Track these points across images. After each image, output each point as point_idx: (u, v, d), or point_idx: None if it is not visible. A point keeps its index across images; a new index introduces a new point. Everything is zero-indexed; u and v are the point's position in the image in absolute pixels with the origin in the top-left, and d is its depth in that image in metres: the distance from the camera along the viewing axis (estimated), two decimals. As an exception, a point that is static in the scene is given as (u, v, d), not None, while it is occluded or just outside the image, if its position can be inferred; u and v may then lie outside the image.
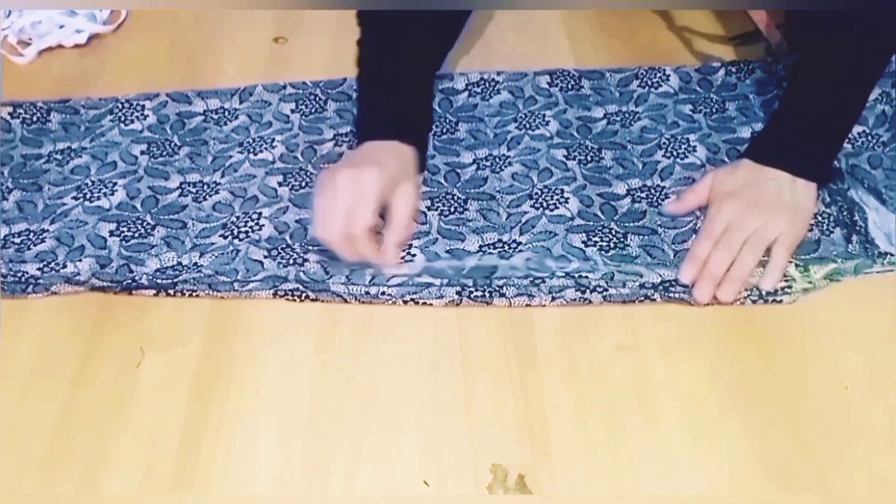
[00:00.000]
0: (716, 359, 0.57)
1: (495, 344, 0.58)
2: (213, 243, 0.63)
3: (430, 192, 0.67)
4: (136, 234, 0.64)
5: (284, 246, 0.62)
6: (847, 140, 0.69)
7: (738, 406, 0.54)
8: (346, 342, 0.59)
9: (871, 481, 0.51)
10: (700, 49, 0.82)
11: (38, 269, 0.61)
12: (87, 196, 0.67)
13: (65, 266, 0.61)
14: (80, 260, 0.62)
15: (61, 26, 0.84)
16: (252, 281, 0.61)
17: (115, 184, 0.68)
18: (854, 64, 0.65)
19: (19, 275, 0.61)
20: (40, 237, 0.64)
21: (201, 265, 0.61)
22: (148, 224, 0.65)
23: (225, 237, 0.64)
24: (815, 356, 0.57)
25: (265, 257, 0.61)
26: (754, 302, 0.60)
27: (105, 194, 0.67)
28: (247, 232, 0.64)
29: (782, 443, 0.52)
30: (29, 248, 0.63)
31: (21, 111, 0.75)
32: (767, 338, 0.58)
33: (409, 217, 0.62)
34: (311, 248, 0.62)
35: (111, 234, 0.64)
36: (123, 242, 0.63)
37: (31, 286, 0.61)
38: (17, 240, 0.64)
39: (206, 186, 0.68)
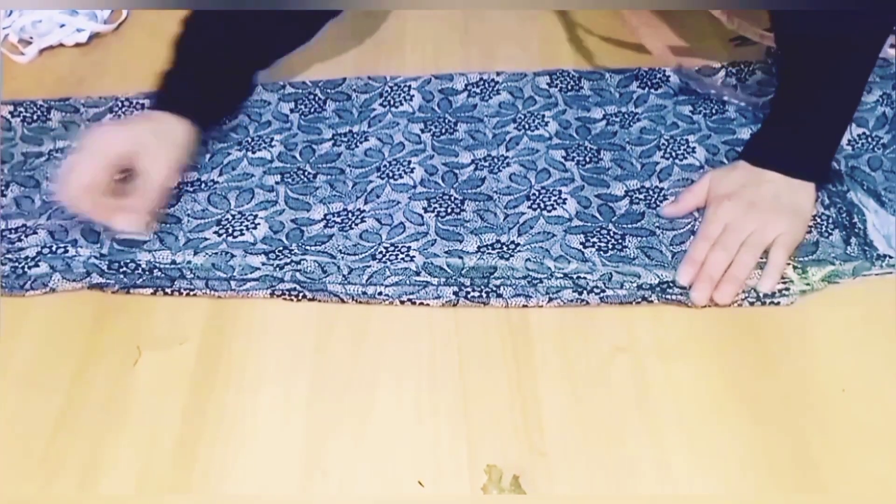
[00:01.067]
0: (713, 360, 0.57)
1: (492, 345, 0.58)
2: (206, 239, 0.63)
3: (428, 192, 0.67)
4: None
5: (281, 248, 0.62)
6: (847, 141, 0.69)
7: (736, 407, 0.54)
8: (343, 342, 0.59)
9: (868, 482, 0.51)
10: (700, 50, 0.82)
11: (38, 251, 0.62)
12: None
13: (65, 250, 0.62)
14: (80, 247, 0.62)
15: (62, 25, 0.84)
16: (249, 280, 0.61)
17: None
18: (842, 59, 0.64)
19: (18, 263, 0.61)
20: (34, 231, 0.64)
21: (196, 264, 0.61)
22: None
23: (219, 234, 0.64)
24: (813, 358, 0.57)
25: (263, 264, 0.61)
26: (752, 304, 0.60)
27: None
28: (241, 231, 0.64)
29: (780, 444, 0.52)
30: (21, 240, 0.63)
31: (22, 109, 0.75)
32: (765, 340, 0.58)
33: (156, 183, 0.62)
34: (307, 247, 0.62)
35: (105, 228, 0.64)
36: (116, 237, 0.64)
37: (29, 281, 0.61)
38: (14, 235, 0.64)
39: (203, 185, 0.68)
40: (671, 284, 0.60)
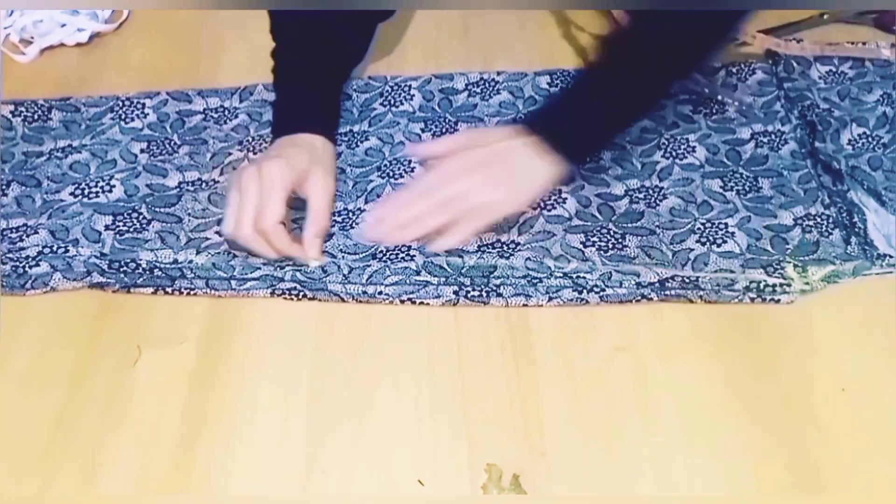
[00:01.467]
0: (713, 360, 0.57)
1: (492, 344, 0.58)
2: (207, 238, 0.64)
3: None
4: (132, 229, 0.64)
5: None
6: (847, 141, 0.69)
7: (735, 407, 0.54)
8: (343, 342, 0.59)
9: (868, 482, 0.51)
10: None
11: (39, 251, 0.62)
12: (85, 192, 0.67)
13: (66, 250, 0.62)
14: (81, 247, 0.62)
15: (63, 25, 0.84)
16: (249, 279, 0.61)
17: (112, 177, 0.69)
18: (655, 69, 0.62)
19: (19, 262, 0.61)
20: (35, 230, 0.64)
21: (198, 263, 0.61)
22: (143, 218, 0.65)
23: (220, 234, 0.64)
24: (812, 357, 0.57)
25: (264, 264, 0.61)
26: (752, 300, 0.60)
27: (103, 190, 0.68)
28: None
29: (779, 443, 0.52)
30: (22, 240, 0.63)
31: (22, 109, 0.75)
32: (765, 339, 0.58)
33: (325, 207, 0.62)
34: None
35: (106, 227, 0.64)
36: (118, 236, 0.64)
37: (30, 280, 0.61)
38: (14, 235, 0.64)
39: (204, 184, 0.68)
40: (670, 280, 0.60)
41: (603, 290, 0.60)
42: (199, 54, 0.83)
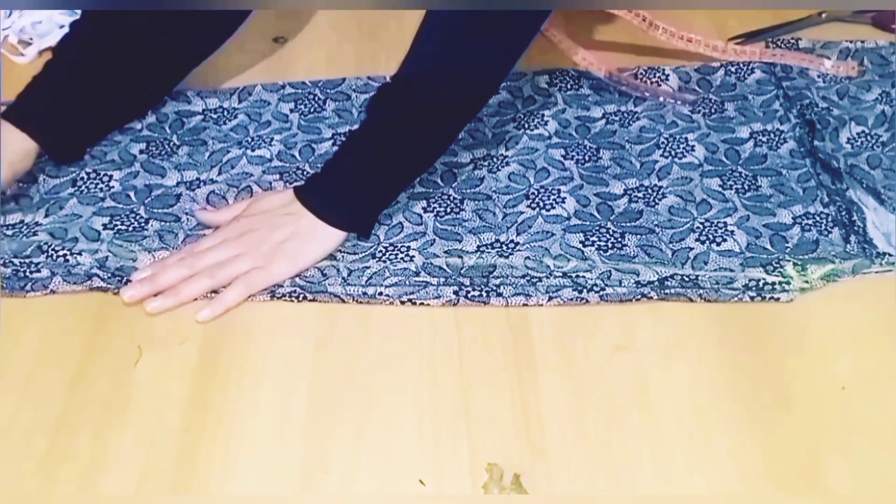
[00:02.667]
0: (713, 359, 0.57)
1: (492, 344, 0.58)
2: (205, 237, 0.63)
3: (426, 192, 0.67)
4: (130, 228, 0.64)
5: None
6: (846, 140, 0.69)
7: (736, 406, 0.54)
8: (343, 342, 0.59)
9: (868, 481, 0.51)
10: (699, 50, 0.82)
11: (43, 252, 0.62)
12: (84, 192, 0.67)
13: (64, 257, 0.62)
14: (80, 254, 0.62)
15: (62, 26, 0.84)
16: (249, 281, 0.61)
17: (110, 177, 0.69)
18: (431, 118, 0.63)
19: (21, 267, 0.61)
20: (33, 230, 0.64)
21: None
22: (141, 217, 0.65)
23: None
24: (812, 356, 0.57)
25: None
26: (752, 299, 0.60)
27: (102, 190, 0.68)
28: None
29: (779, 443, 0.52)
30: (22, 240, 0.63)
31: (21, 110, 0.75)
32: (765, 338, 0.58)
33: None
34: None
35: (104, 227, 0.64)
36: (116, 235, 0.64)
37: (30, 283, 0.61)
38: (10, 232, 0.64)
39: (202, 184, 0.69)
40: (670, 278, 0.60)
41: (603, 289, 0.60)
42: (197, 55, 0.83)
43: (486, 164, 0.70)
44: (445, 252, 0.62)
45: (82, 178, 0.69)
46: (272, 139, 0.73)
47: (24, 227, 0.65)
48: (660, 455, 0.52)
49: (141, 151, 0.72)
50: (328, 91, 0.78)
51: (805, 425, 0.53)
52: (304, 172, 0.69)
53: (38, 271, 0.61)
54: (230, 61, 0.82)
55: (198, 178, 0.69)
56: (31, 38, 0.84)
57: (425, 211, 0.65)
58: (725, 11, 0.86)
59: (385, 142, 0.63)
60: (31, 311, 0.61)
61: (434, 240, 0.63)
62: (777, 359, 0.57)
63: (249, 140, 0.73)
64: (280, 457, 0.52)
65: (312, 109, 0.76)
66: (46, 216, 0.65)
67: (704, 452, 0.52)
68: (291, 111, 0.76)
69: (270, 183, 0.68)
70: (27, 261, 0.62)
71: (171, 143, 0.72)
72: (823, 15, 0.83)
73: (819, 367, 0.56)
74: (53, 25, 0.84)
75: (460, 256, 0.61)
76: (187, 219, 0.65)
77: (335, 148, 0.72)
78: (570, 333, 0.59)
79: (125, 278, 0.61)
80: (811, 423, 0.53)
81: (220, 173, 0.70)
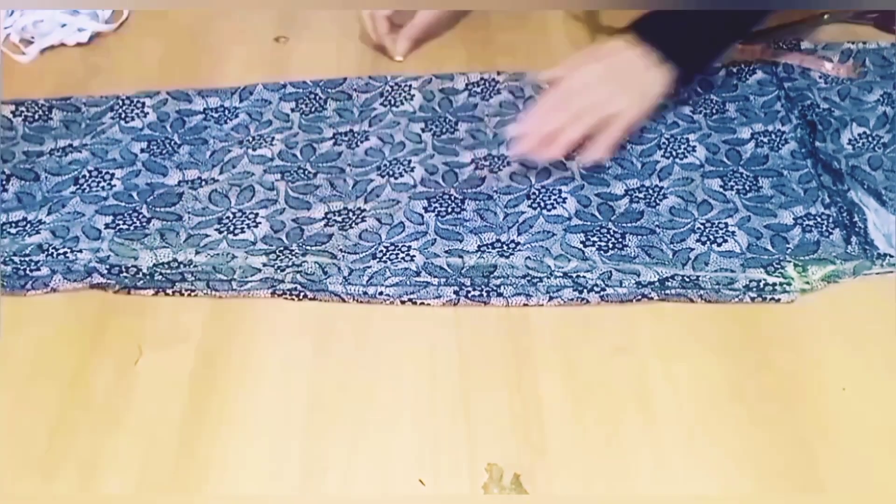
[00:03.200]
0: (713, 359, 0.57)
1: (493, 344, 0.58)
2: (207, 235, 0.64)
3: (428, 192, 0.67)
4: (132, 227, 0.64)
5: (282, 248, 0.62)
6: (847, 141, 0.69)
7: (736, 406, 0.54)
8: (343, 342, 0.59)
9: (868, 482, 0.51)
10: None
11: (44, 251, 0.62)
12: (86, 191, 0.67)
13: (65, 255, 0.62)
14: (81, 251, 0.62)
15: (63, 25, 0.84)
16: (250, 281, 0.61)
17: (112, 176, 0.69)
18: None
19: (21, 265, 0.61)
20: (36, 228, 0.64)
21: (197, 263, 0.61)
22: (143, 216, 0.65)
23: (220, 231, 0.64)
24: (813, 357, 0.57)
25: (264, 265, 0.61)
26: (752, 300, 0.60)
27: (103, 189, 0.68)
28: (242, 229, 0.64)
29: (780, 443, 0.52)
30: (24, 239, 0.63)
31: (23, 109, 0.75)
32: (765, 338, 0.58)
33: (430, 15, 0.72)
34: (307, 247, 0.62)
35: (106, 226, 0.64)
36: (118, 234, 0.64)
37: (30, 281, 0.61)
38: (14, 230, 0.64)
39: (203, 182, 0.69)
40: (670, 279, 0.60)
41: (603, 289, 0.60)
42: (199, 54, 0.84)
43: (487, 163, 0.70)
44: (446, 252, 0.62)
45: (84, 177, 0.69)
46: (273, 138, 0.73)
47: (27, 224, 0.65)
48: (660, 455, 0.52)
49: (142, 150, 0.72)
50: (329, 90, 0.77)
51: (805, 426, 0.53)
52: (306, 172, 0.69)
53: (39, 269, 0.61)
54: (231, 60, 0.82)
55: (199, 178, 0.69)
56: (32, 37, 0.84)
57: (426, 210, 0.65)
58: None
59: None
60: (31, 310, 0.61)
61: (435, 239, 0.63)
62: (777, 359, 0.57)
63: (250, 139, 0.73)
64: (279, 457, 0.52)
65: (313, 109, 0.76)
66: (49, 214, 0.65)
67: (704, 452, 0.52)
68: (293, 110, 0.76)
69: (272, 182, 0.68)
70: (27, 259, 0.62)
71: (173, 142, 0.72)
72: (826, 16, 0.83)
73: (819, 367, 0.56)
74: (55, 24, 0.84)
75: (461, 256, 0.61)
76: (189, 217, 0.65)
77: (336, 147, 0.72)
78: (570, 334, 0.59)
79: (126, 278, 0.61)
80: (811, 424, 0.53)
81: (221, 172, 0.70)
